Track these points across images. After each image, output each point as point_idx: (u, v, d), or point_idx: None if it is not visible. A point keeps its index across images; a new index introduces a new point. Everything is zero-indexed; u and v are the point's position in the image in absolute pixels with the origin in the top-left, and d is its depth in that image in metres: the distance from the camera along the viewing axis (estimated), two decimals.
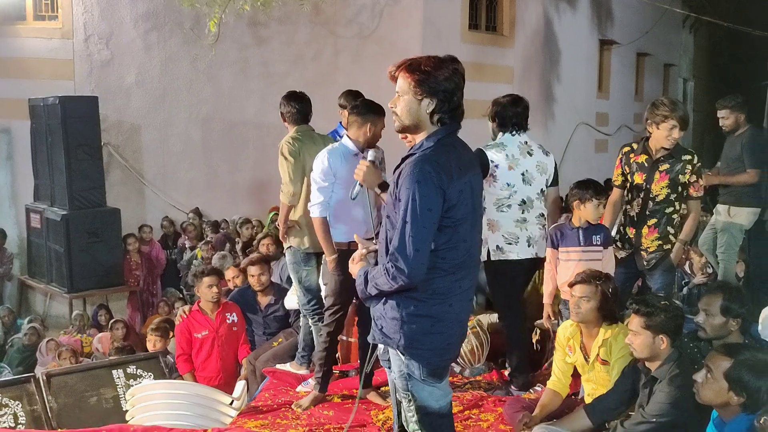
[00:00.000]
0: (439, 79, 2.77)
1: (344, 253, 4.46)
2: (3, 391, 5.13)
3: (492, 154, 4.62)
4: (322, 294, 5.56)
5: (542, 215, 4.76)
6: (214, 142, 11.77)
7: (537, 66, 13.21)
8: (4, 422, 4.95)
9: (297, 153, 4.97)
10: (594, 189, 4.52)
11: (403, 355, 2.85)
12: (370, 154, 3.57)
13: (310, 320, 5.12)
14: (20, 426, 4.96)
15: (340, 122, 5.97)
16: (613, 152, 17.03)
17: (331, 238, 4.54)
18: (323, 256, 4.73)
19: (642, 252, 4.70)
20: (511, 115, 4.73)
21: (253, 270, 6.20)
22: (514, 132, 4.71)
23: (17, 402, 5.10)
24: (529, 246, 4.66)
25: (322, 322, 4.82)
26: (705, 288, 5.39)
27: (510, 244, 4.65)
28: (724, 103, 6.19)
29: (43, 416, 5.10)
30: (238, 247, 9.80)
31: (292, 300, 5.63)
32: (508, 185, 4.62)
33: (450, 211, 2.71)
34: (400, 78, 2.84)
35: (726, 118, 6.14)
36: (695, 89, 22.47)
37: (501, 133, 4.73)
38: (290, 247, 5.13)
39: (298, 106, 5.17)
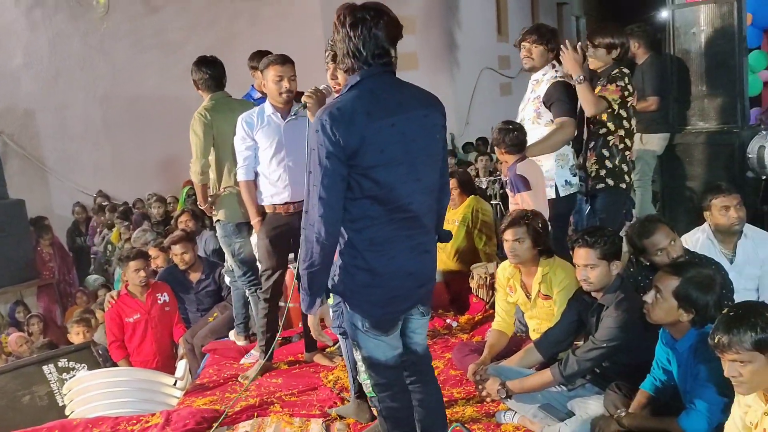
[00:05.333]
0: (338, 45, 2.74)
1: (269, 217, 4.54)
2: None
3: None
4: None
5: None
6: (115, 120, 11.36)
7: (437, 13, 13.20)
8: None
9: (210, 126, 4.80)
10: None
11: (347, 305, 2.81)
12: (324, 86, 3.49)
13: (247, 291, 5.05)
14: None
15: (252, 85, 5.82)
16: (517, 94, 17.32)
17: (255, 201, 4.57)
18: None
19: (589, 180, 4.76)
20: None
21: (176, 249, 6.04)
22: None
23: None
24: None
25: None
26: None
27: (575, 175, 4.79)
28: None
29: None
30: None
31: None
32: None
33: (354, 158, 2.62)
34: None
35: None
36: (587, 26, 22.98)
37: None
38: (219, 220, 5.02)
39: (210, 71, 4.98)
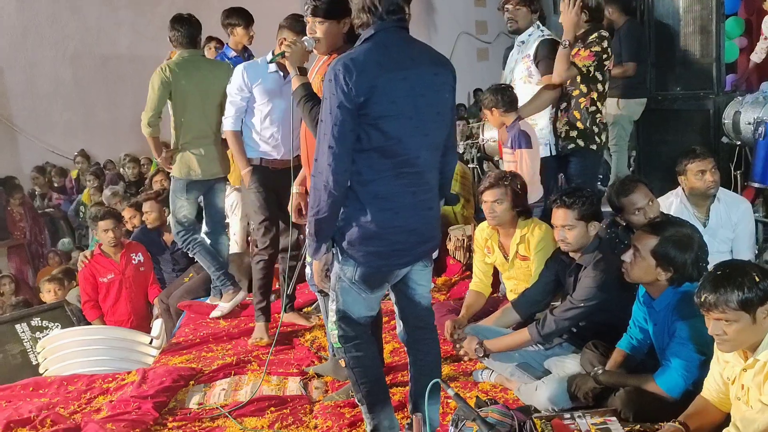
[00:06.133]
0: (353, 1, 2.76)
1: (257, 169, 4.49)
2: None
3: None
4: (228, 219, 5.50)
5: None
6: (87, 80, 11.12)
7: None
8: None
9: (167, 82, 4.80)
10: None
11: (342, 254, 2.81)
12: (306, 38, 3.42)
13: (186, 249, 5.14)
14: None
15: (227, 44, 5.78)
16: (493, 60, 17.26)
17: (244, 151, 4.52)
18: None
19: (559, 141, 4.76)
20: None
21: (145, 207, 6.03)
22: None
23: None
24: None
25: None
26: None
27: None
28: None
29: None
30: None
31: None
32: None
33: (364, 107, 2.64)
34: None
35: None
36: None
37: None
38: (173, 175, 5.03)
39: (183, 29, 4.98)
